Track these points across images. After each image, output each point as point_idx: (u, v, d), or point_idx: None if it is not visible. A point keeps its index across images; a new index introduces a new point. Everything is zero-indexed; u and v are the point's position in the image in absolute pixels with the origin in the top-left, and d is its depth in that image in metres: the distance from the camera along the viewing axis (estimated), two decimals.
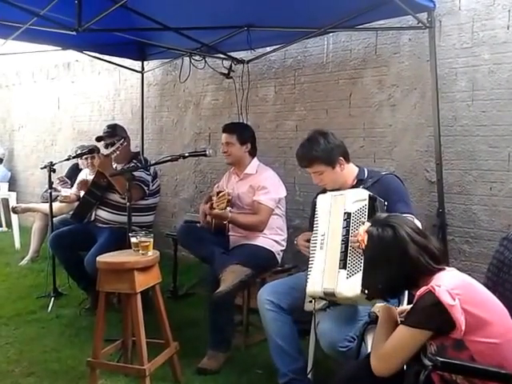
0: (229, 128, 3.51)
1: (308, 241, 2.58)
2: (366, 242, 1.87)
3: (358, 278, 2.16)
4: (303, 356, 2.68)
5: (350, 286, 2.18)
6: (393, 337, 1.73)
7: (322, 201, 2.54)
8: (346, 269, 2.23)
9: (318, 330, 2.47)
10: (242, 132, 3.46)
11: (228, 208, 3.09)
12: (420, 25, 3.21)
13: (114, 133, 3.95)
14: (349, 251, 2.24)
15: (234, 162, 3.48)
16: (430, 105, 3.33)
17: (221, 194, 3.11)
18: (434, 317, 1.64)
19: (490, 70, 3.22)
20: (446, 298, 1.61)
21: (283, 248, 3.40)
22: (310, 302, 2.47)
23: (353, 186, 2.65)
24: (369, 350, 2.13)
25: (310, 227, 2.74)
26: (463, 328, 1.61)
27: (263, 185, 3.28)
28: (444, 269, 1.78)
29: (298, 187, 4.24)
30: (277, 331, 2.69)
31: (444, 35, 3.39)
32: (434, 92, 3.22)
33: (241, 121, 4.55)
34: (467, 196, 3.34)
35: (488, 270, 2.24)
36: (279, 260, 3.40)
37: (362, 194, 2.38)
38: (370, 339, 2.19)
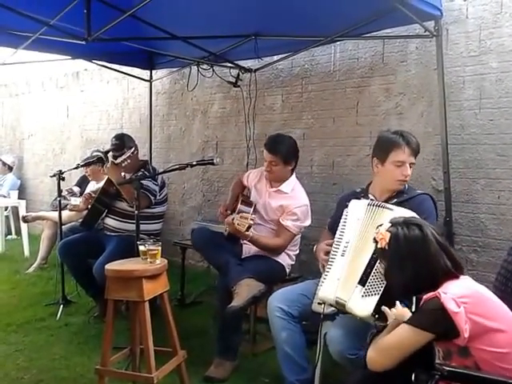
0: (273, 147, 3.27)
1: (327, 253, 2.57)
2: (387, 241, 1.88)
3: (373, 300, 2.15)
4: (311, 366, 2.68)
5: (363, 305, 2.17)
6: (394, 333, 1.76)
7: (355, 207, 2.50)
8: (364, 286, 2.20)
9: (327, 336, 2.47)
10: (287, 151, 3.26)
11: (249, 232, 3.01)
12: (427, 33, 3.20)
13: (122, 145, 3.94)
14: (373, 271, 2.20)
15: (276, 179, 3.35)
16: (437, 113, 3.32)
17: (244, 216, 3.02)
18: (438, 322, 1.67)
19: (497, 79, 3.21)
20: (450, 306, 1.64)
21: (293, 263, 3.41)
22: (320, 303, 2.47)
23: (391, 196, 2.64)
24: None
25: (331, 227, 2.75)
26: (466, 336, 1.63)
27: (294, 211, 3.20)
28: (459, 276, 1.80)
29: None
30: (286, 339, 2.69)
31: (451, 43, 3.40)
32: (441, 100, 3.22)
33: (248, 129, 4.58)
34: (475, 205, 3.33)
35: (496, 279, 2.24)
36: (287, 273, 3.40)
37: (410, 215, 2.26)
38: None
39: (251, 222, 2.98)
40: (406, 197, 2.61)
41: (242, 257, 3.31)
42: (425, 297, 1.75)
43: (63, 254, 4.05)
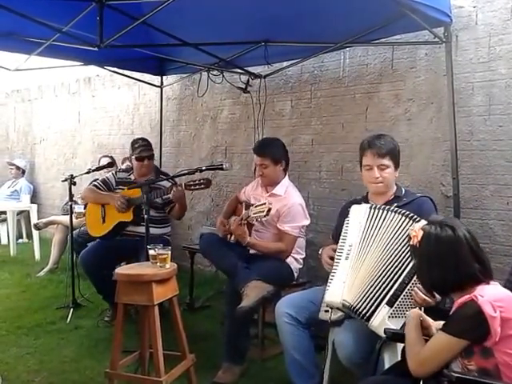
0: (261, 150, 3.40)
1: (332, 258, 2.58)
2: (419, 239, 1.88)
3: (399, 322, 2.16)
4: (319, 371, 2.68)
5: (387, 327, 2.16)
6: (431, 343, 1.77)
7: (356, 211, 2.54)
8: (392, 307, 2.22)
9: (335, 341, 2.47)
10: (274, 151, 3.37)
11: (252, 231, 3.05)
12: (436, 39, 3.21)
13: (150, 145, 4.08)
14: (403, 294, 2.22)
15: (269, 182, 3.41)
16: (446, 119, 3.32)
17: (261, 202, 3.06)
18: (474, 328, 1.67)
19: (506, 85, 3.21)
20: (488, 309, 1.64)
21: (300, 266, 3.42)
22: (326, 311, 2.48)
23: (388, 201, 2.65)
24: (386, 366, 2.14)
25: (334, 236, 2.75)
26: (497, 339, 1.64)
27: (288, 212, 3.25)
28: (489, 282, 1.80)
29: (311, 201, 4.25)
30: (294, 345, 2.69)
31: (460, 50, 3.39)
32: (450, 106, 3.22)
33: (257, 135, 4.60)
34: (484, 211, 3.32)
35: (504, 286, 2.23)
36: (295, 277, 3.41)
37: None
38: (386, 355, 2.19)
39: (270, 205, 2.99)
40: (406, 201, 2.63)
41: (251, 252, 3.30)
42: (459, 300, 1.74)
43: (86, 265, 3.92)
